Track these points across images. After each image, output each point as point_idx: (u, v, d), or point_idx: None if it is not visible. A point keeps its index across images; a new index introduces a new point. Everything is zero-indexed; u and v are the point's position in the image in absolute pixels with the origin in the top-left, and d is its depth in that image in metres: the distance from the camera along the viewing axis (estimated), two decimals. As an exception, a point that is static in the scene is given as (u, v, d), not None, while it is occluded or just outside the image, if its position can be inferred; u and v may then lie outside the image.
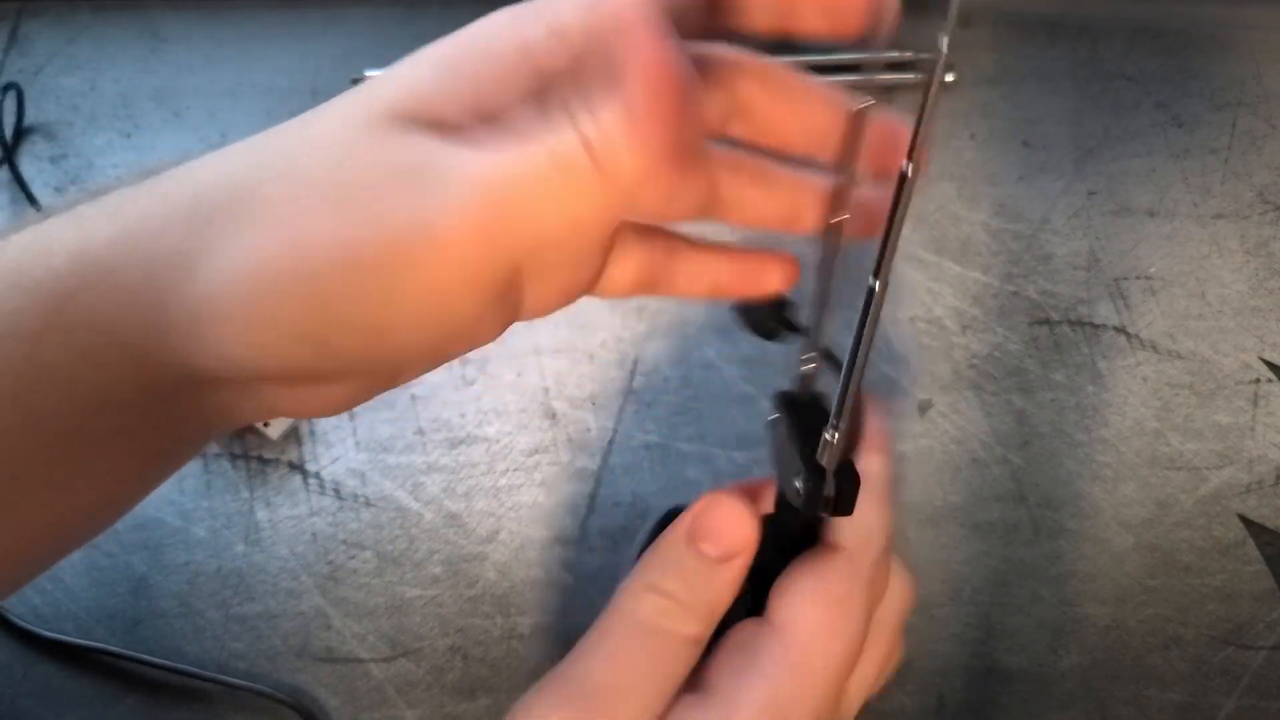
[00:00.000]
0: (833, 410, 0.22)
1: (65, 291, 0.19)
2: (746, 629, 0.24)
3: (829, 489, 0.22)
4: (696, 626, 0.23)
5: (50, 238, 0.20)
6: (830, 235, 0.24)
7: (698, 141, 0.22)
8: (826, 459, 0.22)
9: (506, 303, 0.22)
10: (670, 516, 0.26)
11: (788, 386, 0.26)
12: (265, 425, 0.46)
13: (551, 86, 0.21)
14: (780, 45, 0.52)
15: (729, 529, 0.24)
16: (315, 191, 0.19)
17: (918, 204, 0.50)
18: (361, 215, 0.19)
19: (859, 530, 0.25)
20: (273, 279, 0.19)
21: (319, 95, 0.52)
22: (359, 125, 0.20)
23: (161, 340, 0.20)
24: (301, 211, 0.19)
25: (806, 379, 0.26)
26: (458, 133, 0.20)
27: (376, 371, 0.22)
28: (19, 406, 0.19)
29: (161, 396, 0.21)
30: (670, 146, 0.19)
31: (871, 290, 0.20)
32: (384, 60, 0.53)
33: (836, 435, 0.22)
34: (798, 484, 0.22)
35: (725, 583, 0.24)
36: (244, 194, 0.20)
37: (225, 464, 0.46)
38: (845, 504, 0.22)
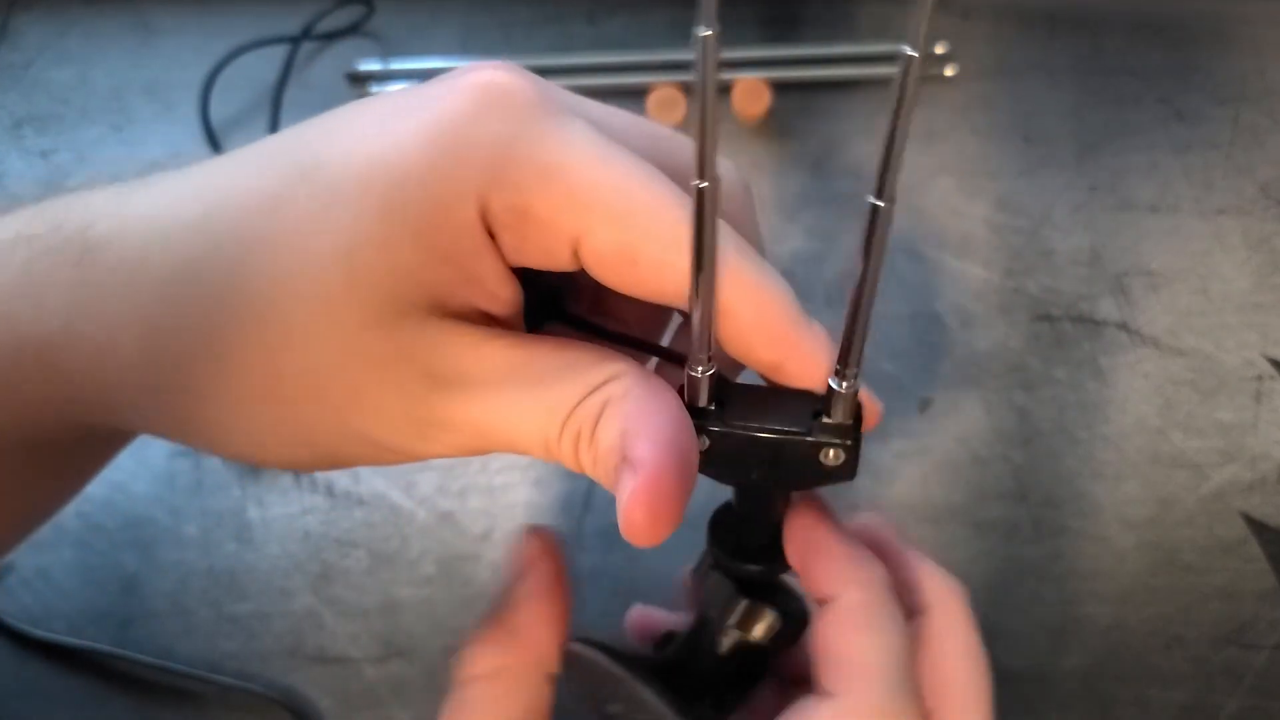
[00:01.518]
0: (840, 354, 0.20)
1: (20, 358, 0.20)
2: None
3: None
4: (490, 659, 0.24)
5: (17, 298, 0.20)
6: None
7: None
8: (839, 411, 0.21)
9: None
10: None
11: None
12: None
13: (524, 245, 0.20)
14: (779, 37, 0.51)
15: (520, 552, 0.25)
16: (302, 382, 0.19)
17: (917, 199, 0.49)
18: (354, 428, 0.20)
19: (848, 669, 0.22)
20: (252, 448, 0.20)
21: (310, 89, 0.52)
22: (347, 314, 0.19)
23: (107, 416, 0.21)
24: (290, 397, 0.19)
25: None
26: (456, 314, 0.20)
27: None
28: None
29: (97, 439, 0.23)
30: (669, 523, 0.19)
31: (875, 209, 0.18)
32: (374, 52, 0.53)
33: (846, 383, 0.20)
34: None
35: (519, 596, 0.24)
36: (224, 356, 0.19)
37: (216, 463, 0.46)
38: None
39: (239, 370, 0.19)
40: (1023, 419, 0.47)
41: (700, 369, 0.20)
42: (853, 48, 0.50)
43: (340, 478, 0.46)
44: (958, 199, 0.49)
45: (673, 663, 0.26)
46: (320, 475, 0.45)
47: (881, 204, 0.17)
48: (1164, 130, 0.50)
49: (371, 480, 0.46)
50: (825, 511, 0.25)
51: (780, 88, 0.50)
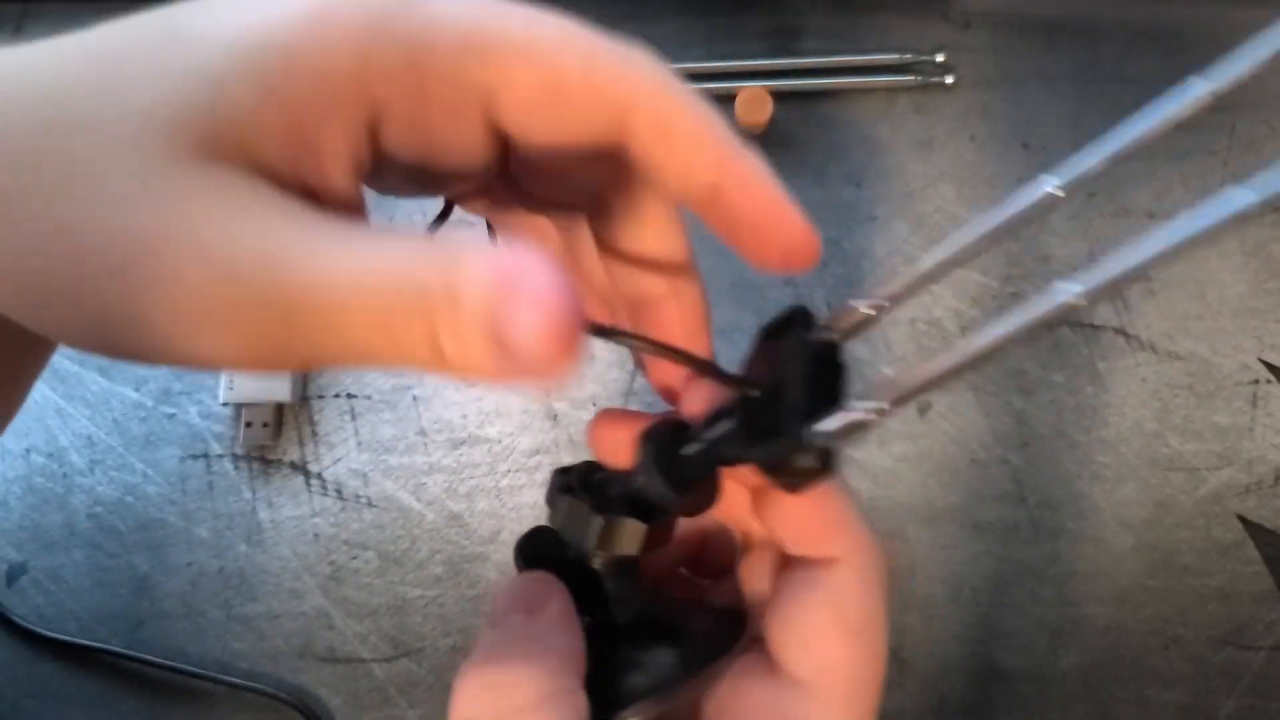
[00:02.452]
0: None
1: None
2: None
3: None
4: (531, 689, 0.21)
5: None
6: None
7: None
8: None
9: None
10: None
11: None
12: (265, 425, 0.46)
13: (384, 121, 0.18)
14: (780, 47, 0.52)
15: (529, 580, 0.23)
16: (92, 227, 0.16)
17: (917, 205, 0.50)
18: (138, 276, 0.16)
19: (817, 662, 0.21)
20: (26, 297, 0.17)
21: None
22: (159, 148, 0.16)
23: None
24: (80, 250, 0.16)
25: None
26: (273, 175, 0.17)
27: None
28: None
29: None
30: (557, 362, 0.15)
31: None
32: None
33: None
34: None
35: (548, 626, 0.22)
36: (18, 197, 0.16)
37: (228, 465, 0.46)
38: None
39: (23, 219, 0.16)
40: (1021, 422, 0.47)
41: None
42: (854, 58, 0.51)
43: (350, 480, 0.46)
44: (957, 206, 0.50)
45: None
46: (330, 478, 0.46)
47: None
48: (1161, 137, 0.51)
49: (381, 483, 0.46)
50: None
51: (782, 97, 0.50)
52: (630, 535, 0.22)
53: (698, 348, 0.24)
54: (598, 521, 0.22)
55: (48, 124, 0.16)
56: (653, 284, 0.23)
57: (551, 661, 0.20)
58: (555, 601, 0.22)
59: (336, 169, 0.18)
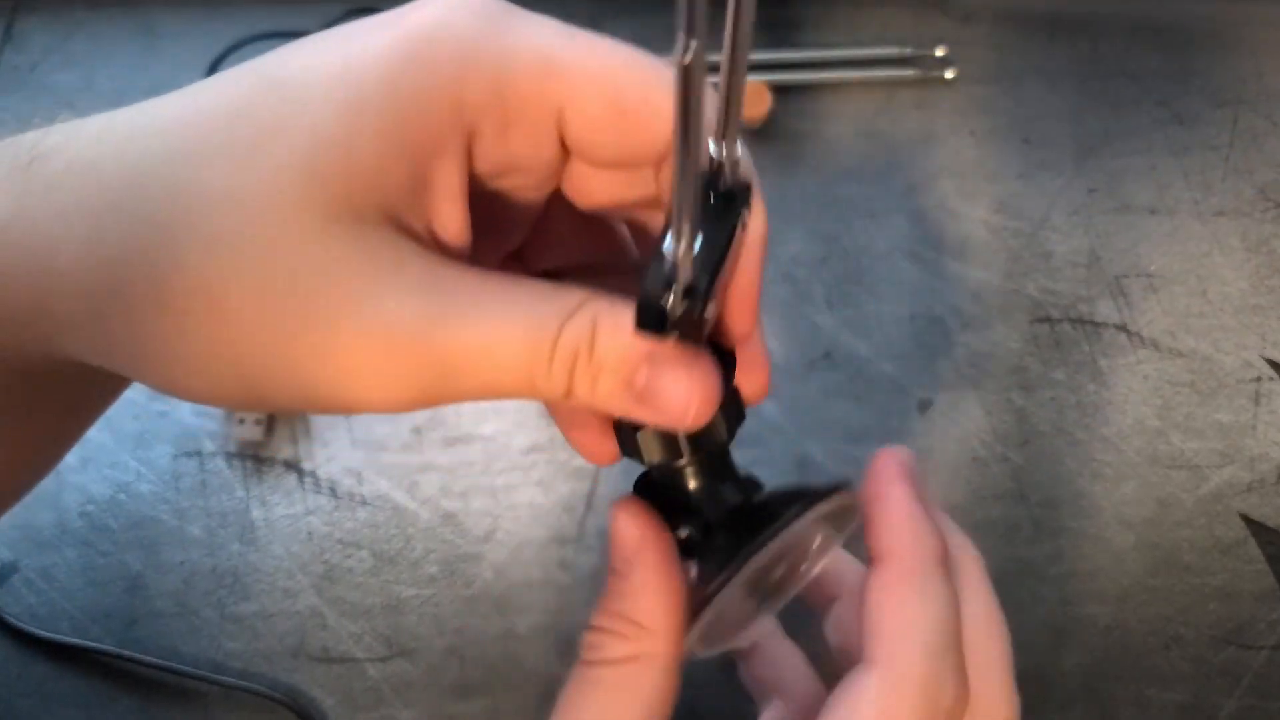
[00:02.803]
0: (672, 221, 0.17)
1: None
2: None
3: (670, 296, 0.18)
4: (620, 646, 0.23)
5: None
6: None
7: None
8: (669, 273, 0.18)
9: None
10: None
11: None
12: (258, 422, 0.46)
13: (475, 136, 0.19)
14: (779, 40, 0.51)
15: (626, 534, 0.23)
16: (250, 300, 0.17)
17: (917, 201, 0.49)
18: (303, 342, 0.18)
19: (894, 637, 0.22)
20: (199, 380, 0.19)
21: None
22: (305, 219, 0.17)
23: (49, 343, 0.19)
24: (235, 319, 0.18)
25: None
26: (401, 221, 0.18)
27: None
28: None
29: (52, 380, 0.21)
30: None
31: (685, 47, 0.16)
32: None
33: (680, 247, 0.17)
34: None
35: (637, 585, 0.23)
36: (166, 270, 0.17)
37: (221, 463, 0.46)
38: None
39: (179, 287, 0.17)
40: (1022, 420, 0.47)
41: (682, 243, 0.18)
42: (853, 52, 0.51)
43: (344, 479, 0.46)
44: (957, 201, 0.49)
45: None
46: (324, 476, 0.46)
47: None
48: (1162, 133, 0.50)
49: (375, 481, 0.46)
50: (908, 468, 0.24)
51: (781, 91, 0.50)
52: (714, 425, 0.22)
53: (746, 322, 0.23)
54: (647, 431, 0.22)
55: (194, 189, 0.17)
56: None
57: (629, 626, 0.22)
58: (641, 560, 0.23)
59: (448, 202, 0.19)
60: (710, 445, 0.23)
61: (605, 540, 0.46)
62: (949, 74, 0.50)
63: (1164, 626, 0.45)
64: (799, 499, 0.22)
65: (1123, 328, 0.48)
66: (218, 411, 0.47)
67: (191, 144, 0.18)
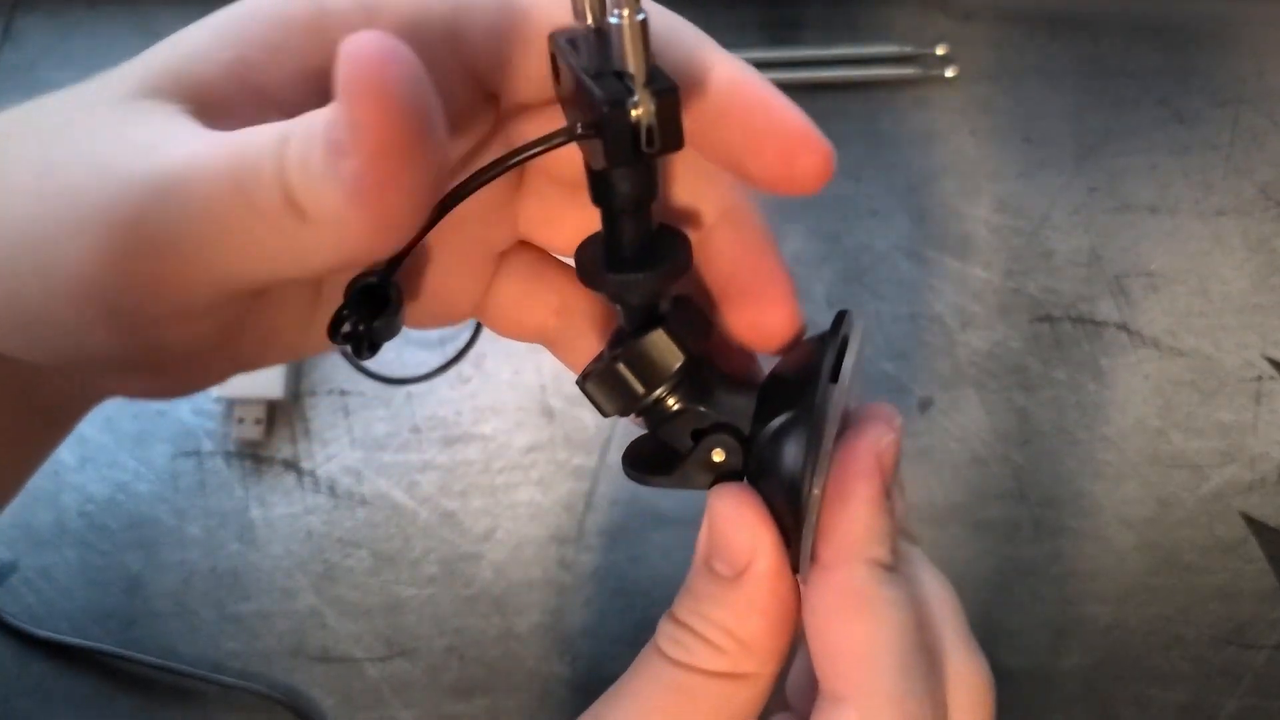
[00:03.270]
0: None
1: None
2: None
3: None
4: (717, 659, 0.20)
5: None
6: None
7: (427, 196, 0.15)
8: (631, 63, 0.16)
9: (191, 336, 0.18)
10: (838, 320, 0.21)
11: None
12: (257, 422, 0.45)
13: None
14: (780, 39, 0.51)
15: (735, 538, 0.20)
16: (29, 171, 0.17)
17: (917, 200, 0.49)
18: (51, 204, 0.16)
19: (852, 666, 0.19)
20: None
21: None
22: (110, 96, 0.17)
23: None
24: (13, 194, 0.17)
25: None
26: (220, 115, 0.17)
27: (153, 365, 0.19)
28: None
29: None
30: (389, 186, 0.14)
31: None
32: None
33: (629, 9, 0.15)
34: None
35: (743, 601, 0.20)
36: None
37: (220, 463, 0.46)
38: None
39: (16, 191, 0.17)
40: (1023, 419, 0.47)
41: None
42: (854, 50, 0.51)
43: (343, 478, 0.46)
44: (958, 200, 0.49)
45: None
46: (323, 475, 0.46)
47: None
48: (1163, 132, 0.50)
49: (374, 480, 0.46)
50: (877, 452, 0.20)
51: (781, 89, 0.50)
52: (658, 348, 0.19)
53: (763, 265, 0.21)
54: (618, 362, 0.20)
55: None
56: (702, 207, 0.22)
57: (731, 640, 0.20)
58: (755, 572, 0.20)
59: (279, 102, 0.17)
60: (663, 374, 0.20)
61: (606, 539, 0.46)
62: (950, 73, 0.50)
63: (1165, 626, 0.45)
64: (820, 355, 0.20)
65: (1124, 327, 0.48)
66: (217, 410, 0.47)
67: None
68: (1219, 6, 0.53)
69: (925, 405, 0.47)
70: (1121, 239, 0.49)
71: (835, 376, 0.19)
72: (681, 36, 0.18)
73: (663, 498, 0.45)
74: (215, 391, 0.46)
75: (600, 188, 0.18)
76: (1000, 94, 0.51)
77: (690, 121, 0.17)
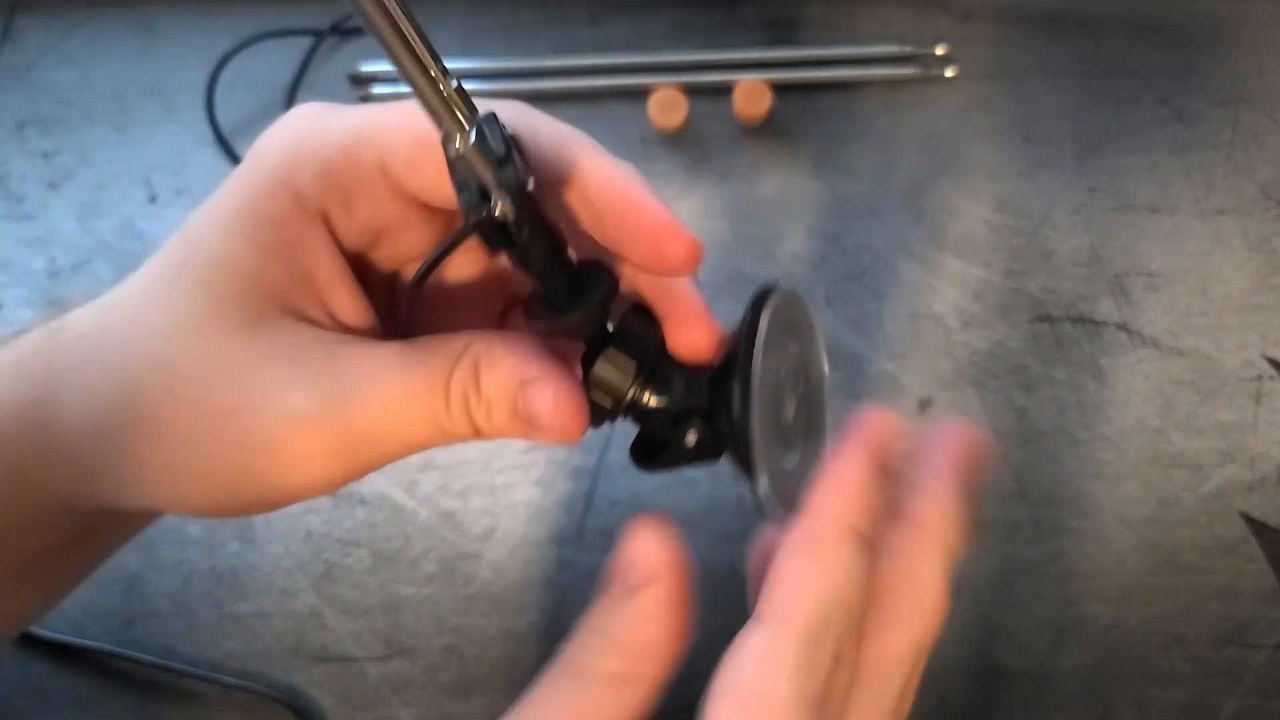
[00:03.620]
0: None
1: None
2: None
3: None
4: (616, 662, 0.23)
5: None
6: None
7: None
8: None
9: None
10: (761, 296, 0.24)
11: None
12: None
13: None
14: (780, 38, 0.51)
15: (643, 558, 0.23)
16: (203, 422, 0.21)
17: (918, 199, 0.49)
18: (240, 446, 0.21)
19: (781, 596, 0.22)
20: (178, 490, 0.22)
21: (312, 91, 0.52)
22: (215, 332, 0.21)
23: (82, 490, 0.22)
24: (188, 431, 0.21)
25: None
26: (307, 318, 0.22)
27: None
28: None
29: (82, 526, 0.24)
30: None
31: None
32: (377, 54, 0.53)
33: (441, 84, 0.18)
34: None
35: (641, 614, 0.23)
36: (143, 412, 0.21)
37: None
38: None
39: (147, 415, 0.21)
40: (1023, 419, 0.47)
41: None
42: (853, 49, 0.51)
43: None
44: (958, 200, 0.49)
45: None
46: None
47: None
48: (1163, 131, 0.50)
49: (374, 480, 0.46)
50: (876, 431, 0.23)
51: (781, 89, 0.50)
52: (612, 364, 0.23)
53: (679, 294, 0.24)
54: (586, 386, 0.23)
55: (137, 344, 0.21)
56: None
57: (624, 647, 0.23)
58: (655, 589, 0.23)
59: (334, 284, 0.22)
60: (622, 384, 0.23)
61: (605, 539, 0.46)
62: (949, 72, 0.50)
63: (1165, 626, 0.45)
64: (743, 327, 0.23)
65: (1124, 326, 0.48)
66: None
67: (138, 298, 0.22)
68: (1219, 6, 0.53)
69: (925, 405, 0.47)
70: (1122, 238, 0.49)
71: (751, 342, 0.23)
72: (541, 137, 0.22)
73: (661, 498, 0.45)
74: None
75: (514, 261, 0.21)
76: (1000, 94, 0.51)
77: (571, 211, 0.22)
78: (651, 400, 0.24)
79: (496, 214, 0.19)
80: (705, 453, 0.24)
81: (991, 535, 0.46)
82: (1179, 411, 0.47)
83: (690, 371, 0.24)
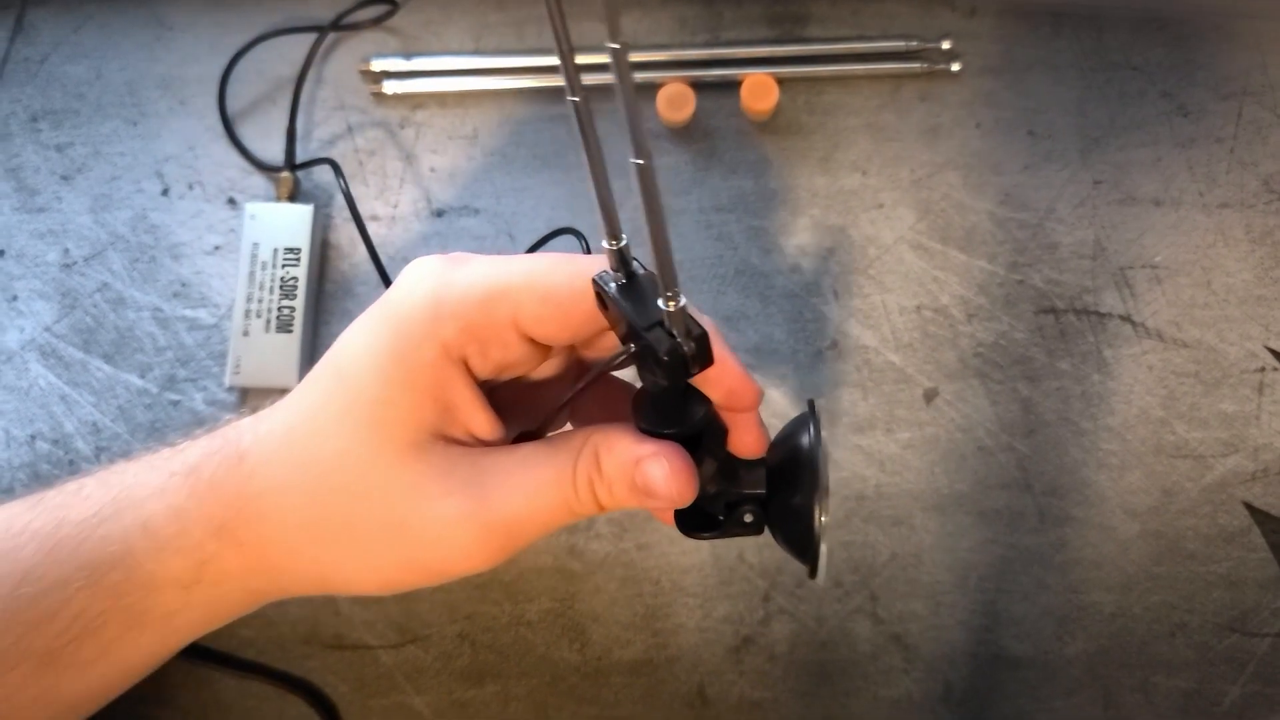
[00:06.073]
0: (661, 283, 0.24)
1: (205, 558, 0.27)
2: None
3: (686, 346, 0.25)
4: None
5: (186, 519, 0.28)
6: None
7: None
8: (673, 325, 0.24)
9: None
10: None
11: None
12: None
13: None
14: (786, 33, 0.51)
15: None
16: (379, 533, 0.27)
17: (923, 193, 0.50)
18: (410, 562, 0.27)
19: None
20: (358, 583, 0.28)
21: (323, 84, 0.52)
22: (384, 460, 0.26)
23: (271, 587, 0.29)
24: (374, 537, 0.27)
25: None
26: (453, 439, 0.27)
27: None
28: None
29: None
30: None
31: (639, 166, 0.22)
32: (387, 48, 0.52)
33: (674, 302, 0.24)
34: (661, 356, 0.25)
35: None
36: (331, 529, 0.27)
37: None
38: (703, 357, 0.25)
39: (337, 534, 0.27)
40: (1027, 410, 0.47)
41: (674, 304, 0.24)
42: (860, 45, 0.51)
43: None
44: (963, 193, 0.50)
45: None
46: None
47: (640, 162, 0.22)
48: (1167, 125, 0.51)
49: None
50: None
51: (787, 84, 0.50)
52: (703, 463, 0.28)
53: (741, 421, 0.30)
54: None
55: (319, 469, 0.27)
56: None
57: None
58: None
59: (472, 411, 0.27)
60: (703, 479, 0.29)
61: (615, 529, 0.46)
62: (955, 67, 0.50)
63: (1168, 614, 0.46)
64: (799, 437, 0.29)
65: (1127, 318, 0.48)
66: (230, 400, 0.48)
67: (310, 436, 0.27)
68: (1223, 0, 0.53)
69: (930, 396, 0.47)
70: (1126, 231, 0.49)
71: (815, 461, 0.29)
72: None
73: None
74: (229, 380, 0.46)
75: (664, 377, 0.26)
76: (1005, 88, 0.51)
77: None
78: (714, 488, 0.29)
79: (685, 353, 0.24)
80: (753, 529, 0.30)
81: (996, 524, 0.46)
82: (1182, 402, 0.47)
83: (747, 465, 0.30)
